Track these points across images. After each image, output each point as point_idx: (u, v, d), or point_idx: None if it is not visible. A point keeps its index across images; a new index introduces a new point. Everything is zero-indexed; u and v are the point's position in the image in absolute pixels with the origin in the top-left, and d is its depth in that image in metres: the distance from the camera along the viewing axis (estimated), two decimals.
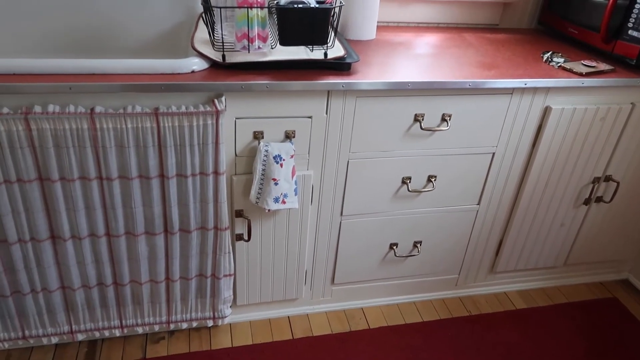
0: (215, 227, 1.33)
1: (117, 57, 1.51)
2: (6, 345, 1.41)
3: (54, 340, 1.41)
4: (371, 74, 1.27)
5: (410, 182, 1.44)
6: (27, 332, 1.38)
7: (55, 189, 1.17)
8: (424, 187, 1.47)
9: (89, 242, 1.28)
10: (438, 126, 1.37)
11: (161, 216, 1.28)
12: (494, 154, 1.46)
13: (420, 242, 1.58)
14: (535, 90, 1.37)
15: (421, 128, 1.35)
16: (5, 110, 1.07)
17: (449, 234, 1.59)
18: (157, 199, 1.25)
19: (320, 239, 1.49)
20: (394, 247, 1.56)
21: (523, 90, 1.37)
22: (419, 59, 1.41)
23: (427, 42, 1.60)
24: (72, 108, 1.10)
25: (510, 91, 1.36)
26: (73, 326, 1.41)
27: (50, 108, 1.09)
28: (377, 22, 1.73)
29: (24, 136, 1.09)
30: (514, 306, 1.74)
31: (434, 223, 1.55)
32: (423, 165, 1.42)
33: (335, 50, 1.28)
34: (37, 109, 1.08)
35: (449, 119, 1.36)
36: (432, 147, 1.40)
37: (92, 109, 1.11)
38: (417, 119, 1.34)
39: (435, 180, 1.46)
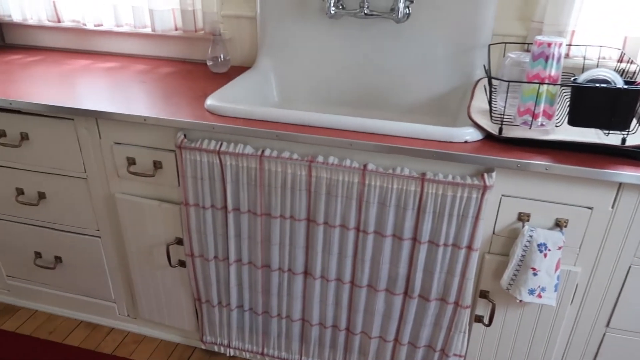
0: (456, 303, 1.26)
1: (388, 113, 1.59)
2: (247, 355, 1.59)
3: None
4: None
5: None
6: (265, 350, 1.53)
7: (318, 231, 1.27)
8: None
9: (335, 285, 1.35)
10: None
11: (404, 278, 1.27)
12: None
13: None
14: None
15: None
16: (295, 156, 1.21)
17: None
18: (405, 260, 1.25)
19: (572, 347, 1.28)
20: None
21: None
22: None
23: None
24: (348, 162, 1.19)
25: None
26: (303, 357, 1.50)
27: (331, 159, 1.19)
28: None
29: (304, 181, 1.22)
30: None
31: None
32: None
33: (637, 136, 1.09)
34: (320, 158, 1.20)
35: None
36: None
37: (365, 166, 1.18)
38: None
39: None
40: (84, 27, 1.76)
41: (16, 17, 1.81)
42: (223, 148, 1.24)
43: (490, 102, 1.22)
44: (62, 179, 1.48)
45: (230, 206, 1.31)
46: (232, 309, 1.48)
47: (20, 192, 1.55)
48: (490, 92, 1.24)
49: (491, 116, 1.20)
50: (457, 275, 1.22)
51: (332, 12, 1.46)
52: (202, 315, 1.53)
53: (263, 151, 1.23)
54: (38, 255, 1.67)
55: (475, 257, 1.19)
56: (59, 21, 1.77)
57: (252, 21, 1.65)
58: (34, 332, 1.73)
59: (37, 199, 1.54)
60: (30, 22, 1.81)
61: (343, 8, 1.49)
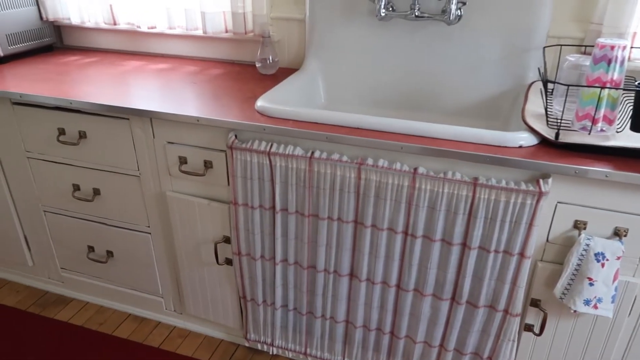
0: (505, 311, 1.23)
1: (436, 116, 1.58)
2: (289, 354, 1.60)
3: None
4: None
5: None
6: (308, 350, 1.54)
7: (365, 234, 1.27)
8: None
9: (380, 288, 1.34)
10: None
11: (452, 283, 1.26)
12: None
13: None
14: None
15: None
16: (344, 158, 1.21)
17: None
18: (454, 265, 1.23)
19: None
20: None
21: None
22: None
23: None
24: (398, 165, 1.18)
25: None
26: (345, 359, 1.51)
27: (381, 162, 1.19)
28: None
29: (353, 183, 1.22)
30: None
31: None
32: None
33: None
34: (370, 161, 1.20)
35: None
36: None
37: (415, 169, 1.17)
38: None
39: None
40: (138, 29, 1.82)
41: (75, 20, 1.88)
42: (273, 149, 1.26)
43: (546, 106, 1.19)
44: (116, 176, 1.54)
45: (278, 206, 1.32)
46: (276, 308, 1.49)
47: (76, 188, 1.61)
48: (546, 95, 1.20)
49: (547, 121, 1.16)
50: (507, 283, 1.20)
51: (382, 14, 1.46)
52: (246, 313, 1.56)
53: (312, 153, 1.24)
54: (91, 249, 1.73)
55: (527, 264, 1.16)
56: (114, 24, 1.84)
57: (301, 23, 1.67)
58: (85, 323, 1.80)
59: (92, 195, 1.60)
60: (88, 24, 1.88)
61: (393, 10, 1.48)
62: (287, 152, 1.24)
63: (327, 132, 1.20)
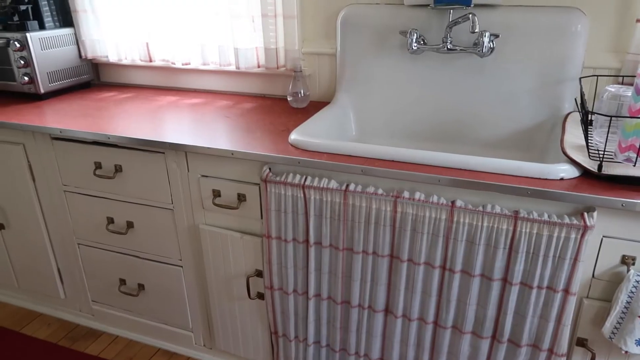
0: (550, 350, 1.18)
1: (469, 148, 1.56)
2: None
3: None
4: None
5: None
6: None
7: (401, 268, 1.24)
8: None
9: (417, 325, 1.30)
10: None
11: (493, 320, 1.21)
12: None
13: None
14: None
15: None
16: (380, 191, 1.20)
17: None
18: (494, 302, 1.19)
19: None
20: None
21: None
22: None
23: None
24: (435, 198, 1.16)
25: None
26: None
27: (417, 195, 1.17)
28: None
29: (389, 216, 1.20)
30: None
31: None
32: None
33: None
34: (406, 194, 1.18)
35: None
36: None
37: (453, 202, 1.15)
38: None
39: None
40: (173, 65, 1.87)
41: (112, 58, 1.95)
42: (307, 182, 1.25)
43: (586, 138, 1.16)
44: (150, 209, 1.55)
45: (312, 240, 1.31)
46: (308, 344, 1.46)
47: (110, 221, 1.63)
48: (587, 126, 1.18)
49: (589, 152, 1.14)
50: (552, 321, 1.15)
51: (414, 47, 1.46)
52: (278, 349, 1.52)
53: (347, 186, 1.23)
54: (123, 282, 1.74)
55: (572, 301, 1.12)
56: (150, 60, 1.89)
57: (332, 58, 1.69)
58: (115, 358, 1.79)
59: (126, 228, 1.61)
60: (124, 61, 1.95)
61: (425, 44, 1.49)
62: (321, 185, 1.24)
63: (362, 165, 1.19)
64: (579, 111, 1.32)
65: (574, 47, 1.38)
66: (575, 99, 1.35)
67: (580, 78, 1.38)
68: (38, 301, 2.02)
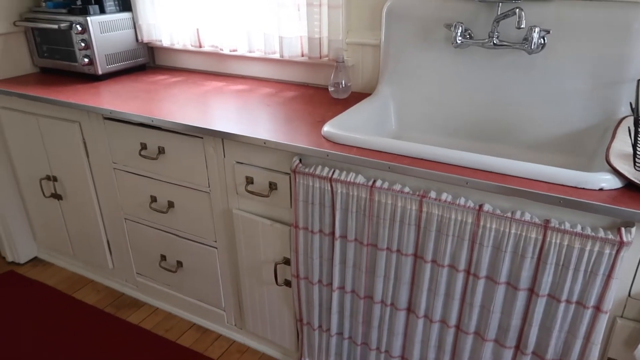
0: None
1: (512, 148, 1.49)
2: None
3: None
4: None
5: None
6: None
7: (425, 269, 1.22)
8: None
9: (438, 327, 1.28)
10: None
11: (517, 331, 1.17)
12: None
13: None
14: None
15: None
16: (406, 189, 1.18)
17: None
18: (519, 312, 1.14)
19: None
20: None
21: None
22: None
23: None
24: (462, 201, 1.12)
25: None
26: None
27: (444, 196, 1.14)
28: None
29: (414, 215, 1.18)
30: None
31: None
32: None
33: None
34: (432, 194, 1.15)
35: None
36: None
37: (481, 206, 1.10)
38: None
39: None
40: (221, 51, 1.91)
41: (165, 42, 2.02)
42: (335, 175, 1.25)
43: (635, 146, 1.08)
44: (189, 191, 1.61)
45: (337, 233, 1.31)
46: (331, 334, 1.47)
47: (153, 199, 1.71)
48: (637, 134, 1.09)
49: (635, 162, 1.05)
50: (580, 338, 1.09)
51: (459, 41, 1.41)
52: (302, 336, 1.55)
53: (374, 182, 1.21)
54: (163, 258, 1.82)
55: (604, 319, 1.05)
56: (200, 46, 1.94)
57: (376, 49, 1.66)
58: (154, 328, 1.89)
59: (167, 207, 1.69)
60: (177, 46, 2.01)
61: (470, 38, 1.43)
62: (348, 180, 1.23)
63: (389, 162, 1.17)
64: (633, 116, 1.23)
65: (633, 46, 1.28)
66: (630, 103, 1.25)
67: (638, 80, 1.27)
68: (89, 269, 2.17)
